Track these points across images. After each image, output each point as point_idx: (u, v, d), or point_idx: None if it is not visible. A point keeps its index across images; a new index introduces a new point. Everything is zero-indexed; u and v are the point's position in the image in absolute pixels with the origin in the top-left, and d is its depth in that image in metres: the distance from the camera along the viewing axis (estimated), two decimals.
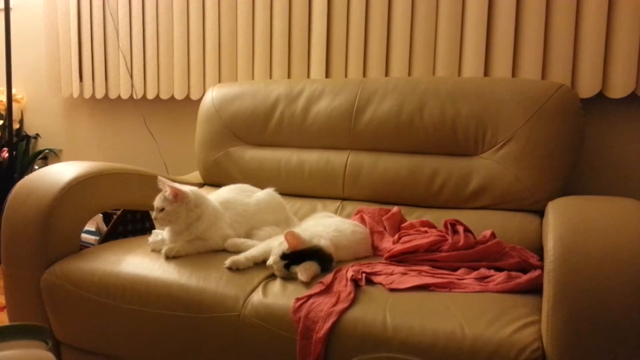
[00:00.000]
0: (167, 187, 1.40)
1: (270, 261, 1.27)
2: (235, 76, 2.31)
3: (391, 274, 1.24)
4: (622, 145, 1.76)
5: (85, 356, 1.43)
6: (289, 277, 1.25)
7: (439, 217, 1.57)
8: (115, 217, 1.84)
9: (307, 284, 1.20)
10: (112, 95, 2.64)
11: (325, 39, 2.10)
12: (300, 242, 1.26)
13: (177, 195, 1.39)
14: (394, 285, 1.18)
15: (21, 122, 3.04)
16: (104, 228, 2.20)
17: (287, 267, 1.24)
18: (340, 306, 1.10)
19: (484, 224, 1.53)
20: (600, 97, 1.72)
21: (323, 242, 1.31)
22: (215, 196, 1.55)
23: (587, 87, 1.71)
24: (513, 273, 1.24)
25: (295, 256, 1.25)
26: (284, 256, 1.25)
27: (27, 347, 0.63)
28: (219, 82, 2.34)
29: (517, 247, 1.39)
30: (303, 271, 1.22)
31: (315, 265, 1.25)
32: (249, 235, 1.51)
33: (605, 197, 1.22)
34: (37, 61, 2.97)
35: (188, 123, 2.54)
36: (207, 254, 1.41)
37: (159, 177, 1.45)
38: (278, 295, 1.18)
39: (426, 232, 1.45)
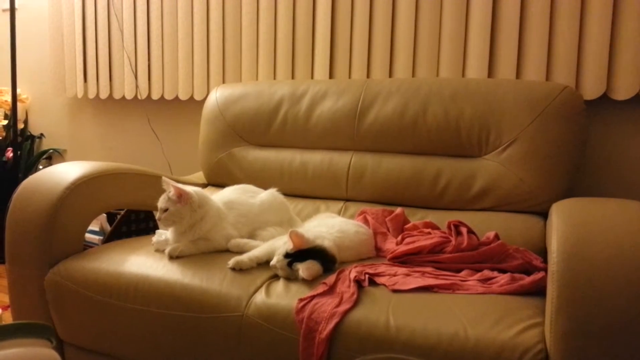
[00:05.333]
0: (171, 187, 1.41)
1: (273, 261, 1.28)
2: (239, 77, 2.31)
3: (394, 275, 1.24)
4: (627, 147, 1.75)
5: (89, 355, 1.43)
6: (292, 277, 1.25)
7: (442, 218, 1.57)
8: (119, 217, 1.84)
9: (310, 285, 1.20)
10: (117, 95, 2.65)
11: (329, 40, 2.10)
12: (304, 241, 1.26)
13: (181, 196, 1.40)
14: (397, 287, 1.17)
15: (26, 122, 3.06)
16: (108, 228, 2.21)
17: (290, 265, 1.25)
18: (343, 307, 1.10)
19: (487, 225, 1.52)
20: (605, 98, 1.71)
21: (327, 243, 1.31)
22: (219, 197, 1.55)
23: (592, 89, 1.71)
24: (517, 275, 1.24)
25: (298, 255, 1.25)
26: (287, 255, 1.25)
27: (32, 345, 0.63)
28: (223, 82, 2.34)
29: (520, 248, 1.38)
30: (305, 269, 1.22)
31: (318, 265, 1.25)
32: (252, 235, 1.51)
33: (609, 199, 1.22)
34: (42, 61, 2.98)
35: (192, 123, 2.55)
36: (210, 254, 1.41)
37: (164, 178, 1.45)
38: (281, 296, 1.18)
39: (429, 233, 1.45)
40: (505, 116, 1.58)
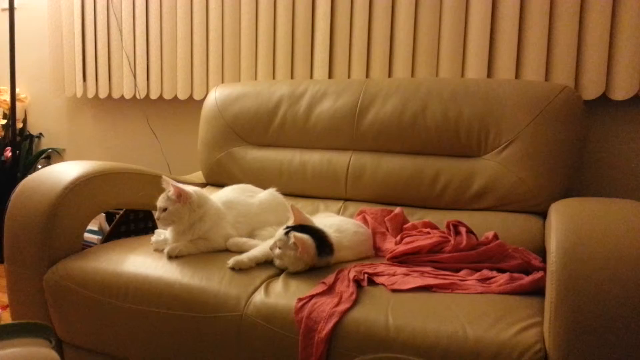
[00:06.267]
0: (170, 186, 1.40)
1: (274, 239, 1.30)
2: (238, 76, 2.31)
3: (393, 275, 1.24)
4: (625, 147, 1.75)
5: (87, 355, 1.43)
6: (287, 253, 1.26)
7: (441, 218, 1.57)
8: (117, 216, 1.84)
9: (309, 284, 1.20)
10: (116, 95, 2.64)
11: (329, 40, 2.10)
12: (303, 218, 1.30)
13: (181, 195, 1.40)
14: (396, 286, 1.18)
15: (25, 121, 3.05)
16: (107, 227, 2.21)
17: (287, 234, 1.27)
18: (343, 307, 1.10)
19: (486, 225, 1.53)
20: (604, 98, 1.72)
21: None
22: (218, 196, 1.55)
23: (591, 89, 1.71)
24: (515, 274, 1.24)
25: (298, 229, 1.28)
26: (287, 227, 1.29)
27: (31, 345, 0.63)
28: (222, 82, 2.34)
29: (519, 248, 1.39)
30: (299, 238, 1.23)
31: (312, 242, 1.26)
32: (251, 235, 1.51)
33: (608, 199, 1.22)
34: (41, 61, 2.98)
35: (191, 123, 2.55)
36: (209, 253, 1.41)
37: (163, 177, 1.45)
38: (280, 295, 1.18)
39: (428, 233, 1.45)
40: (505, 116, 1.58)
